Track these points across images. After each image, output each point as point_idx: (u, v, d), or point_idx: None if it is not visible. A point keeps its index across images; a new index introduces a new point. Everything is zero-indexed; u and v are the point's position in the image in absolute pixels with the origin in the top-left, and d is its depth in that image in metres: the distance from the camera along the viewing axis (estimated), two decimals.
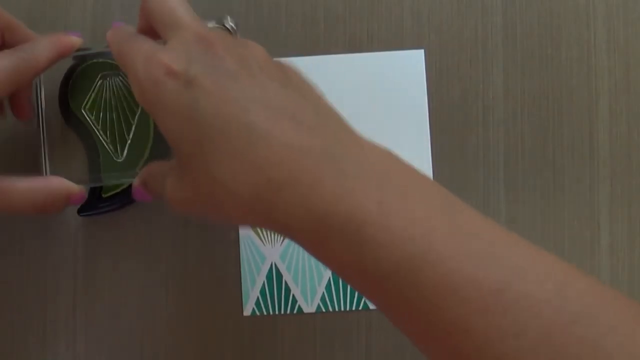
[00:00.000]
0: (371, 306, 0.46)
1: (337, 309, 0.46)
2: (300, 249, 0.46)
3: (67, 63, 0.45)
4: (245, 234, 0.46)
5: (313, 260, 0.46)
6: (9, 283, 0.46)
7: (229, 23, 0.40)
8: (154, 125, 0.44)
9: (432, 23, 0.47)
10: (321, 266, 0.46)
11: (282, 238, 0.46)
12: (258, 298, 0.46)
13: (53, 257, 0.46)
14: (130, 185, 0.43)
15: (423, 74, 0.47)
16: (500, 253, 0.30)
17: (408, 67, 0.47)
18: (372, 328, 0.46)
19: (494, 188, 0.47)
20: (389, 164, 0.32)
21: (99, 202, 0.46)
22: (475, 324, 0.29)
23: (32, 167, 0.45)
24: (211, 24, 0.40)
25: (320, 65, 0.47)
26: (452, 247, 0.29)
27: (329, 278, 0.46)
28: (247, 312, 0.46)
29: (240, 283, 0.46)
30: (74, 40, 0.43)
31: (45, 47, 0.41)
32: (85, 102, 0.44)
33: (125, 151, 0.44)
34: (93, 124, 0.44)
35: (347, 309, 0.46)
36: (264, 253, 0.46)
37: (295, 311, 0.46)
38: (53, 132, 0.45)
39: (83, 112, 0.44)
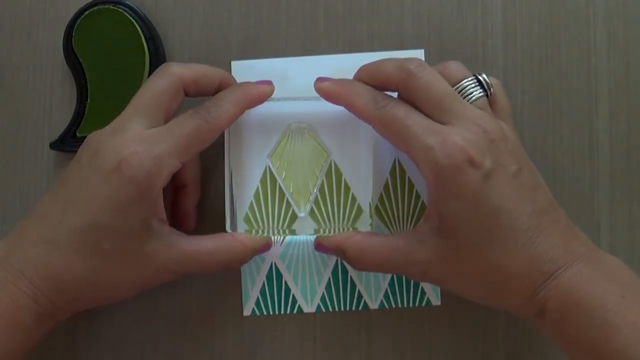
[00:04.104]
0: (371, 306, 0.46)
1: (337, 309, 0.46)
2: (301, 249, 0.46)
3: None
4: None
5: (313, 261, 0.46)
6: None
7: (484, 78, 0.41)
8: None
9: (432, 23, 0.47)
10: (321, 266, 0.46)
11: (282, 238, 0.46)
12: (258, 298, 0.46)
13: None
14: None
15: None
16: None
17: None
18: (372, 328, 0.46)
19: None
20: (626, 270, 0.39)
21: (73, 140, 0.46)
22: None
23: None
24: (467, 80, 0.41)
25: (320, 65, 0.47)
26: None
27: (329, 278, 0.46)
28: (247, 312, 0.46)
29: (240, 283, 0.46)
30: (263, 90, 0.42)
31: (229, 105, 0.41)
32: (271, 151, 0.44)
33: (310, 205, 0.45)
34: (277, 174, 0.44)
35: (347, 309, 0.46)
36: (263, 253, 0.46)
37: (295, 311, 0.46)
38: (243, 184, 0.44)
39: (268, 160, 0.44)
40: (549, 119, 0.47)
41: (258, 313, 0.46)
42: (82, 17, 0.46)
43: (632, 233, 0.47)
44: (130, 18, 0.46)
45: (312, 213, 0.44)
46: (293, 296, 0.46)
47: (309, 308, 0.46)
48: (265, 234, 0.44)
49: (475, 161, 0.37)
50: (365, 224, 0.44)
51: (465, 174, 0.37)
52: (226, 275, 0.46)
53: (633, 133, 0.47)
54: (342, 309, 0.46)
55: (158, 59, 0.46)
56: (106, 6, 0.46)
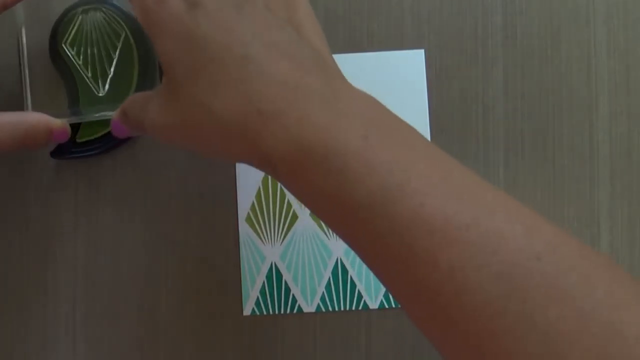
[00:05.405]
0: (371, 306, 0.46)
1: (337, 309, 0.46)
2: (301, 248, 0.46)
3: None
4: (246, 233, 0.46)
5: (313, 260, 0.46)
6: (9, 282, 0.46)
7: None
8: (139, 63, 0.45)
9: (432, 23, 0.47)
10: (321, 266, 0.46)
11: (282, 238, 0.46)
12: (258, 298, 0.46)
13: (53, 256, 0.46)
14: (107, 132, 0.45)
15: (423, 74, 0.47)
16: (473, 193, 0.30)
17: (408, 67, 0.47)
18: (372, 328, 0.46)
19: None
20: (378, 108, 0.33)
21: (73, 146, 0.46)
22: (440, 256, 0.29)
23: (16, 106, 0.45)
24: None
25: None
26: (427, 183, 0.30)
27: (329, 278, 0.46)
28: (247, 312, 0.46)
29: (240, 283, 0.46)
30: None
31: None
32: (66, 37, 0.45)
33: (107, 85, 0.45)
34: (74, 58, 0.44)
35: (347, 309, 0.46)
36: (264, 253, 0.46)
37: (295, 311, 0.46)
38: (37, 68, 0.45)
39: (64, 47, 0.44)
40: (549, 119, 0.47)
41: (258, 313, 0.46)
42: (66, 18, 0.45)
43: (632, 233, 0.47)
44: (117, 17, 0.46)
45: (111, 94, 0.45)
46: (293, 296, 0.46)
47: (309, 308, 0.46)
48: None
49: None
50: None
51: (168, 5, 0.33)
52: (226, 275, 0.46)
53: (633, 133, 0.47)
54: (342, 308, 0.46)
55: (147, 57, 0.46)
56: (92, 6, 0.46)
